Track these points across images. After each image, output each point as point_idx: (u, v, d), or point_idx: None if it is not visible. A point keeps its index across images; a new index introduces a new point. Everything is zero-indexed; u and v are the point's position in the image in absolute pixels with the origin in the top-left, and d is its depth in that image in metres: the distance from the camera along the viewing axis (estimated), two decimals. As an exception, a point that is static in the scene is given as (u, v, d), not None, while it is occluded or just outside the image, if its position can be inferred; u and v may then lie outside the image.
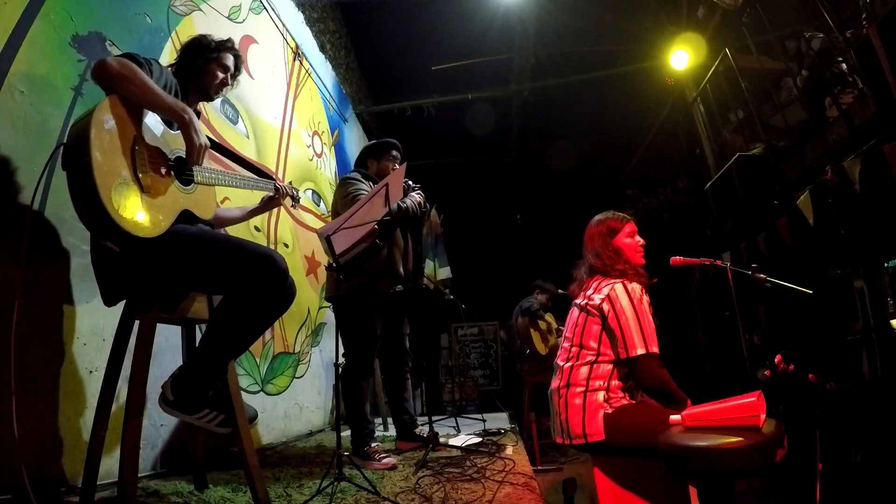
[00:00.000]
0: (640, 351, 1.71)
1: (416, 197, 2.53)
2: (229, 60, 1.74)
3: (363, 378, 2.48)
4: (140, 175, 1.33)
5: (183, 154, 1.47)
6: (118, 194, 1.25)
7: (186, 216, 1.49)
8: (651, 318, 1.78)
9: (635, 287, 1.81)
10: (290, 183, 1.99)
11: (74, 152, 1.22)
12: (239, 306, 1.46)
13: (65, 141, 1.29)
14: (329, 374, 4.08)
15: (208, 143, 1.50)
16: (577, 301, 1.93)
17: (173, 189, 1.45)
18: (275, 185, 1.89)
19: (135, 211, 1.28)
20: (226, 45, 1.74)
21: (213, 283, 1.50)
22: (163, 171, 1.42)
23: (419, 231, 2.76)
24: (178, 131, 1.48)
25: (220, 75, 1.71)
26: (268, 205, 1.94)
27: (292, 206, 2.01)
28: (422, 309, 2.74)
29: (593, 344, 1.81)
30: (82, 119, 1.28)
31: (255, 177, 1.86)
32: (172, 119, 1.45)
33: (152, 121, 1.44)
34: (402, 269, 2.58)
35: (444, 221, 5.33)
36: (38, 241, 1.60)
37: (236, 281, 1.44)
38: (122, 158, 1.30)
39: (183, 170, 1.50)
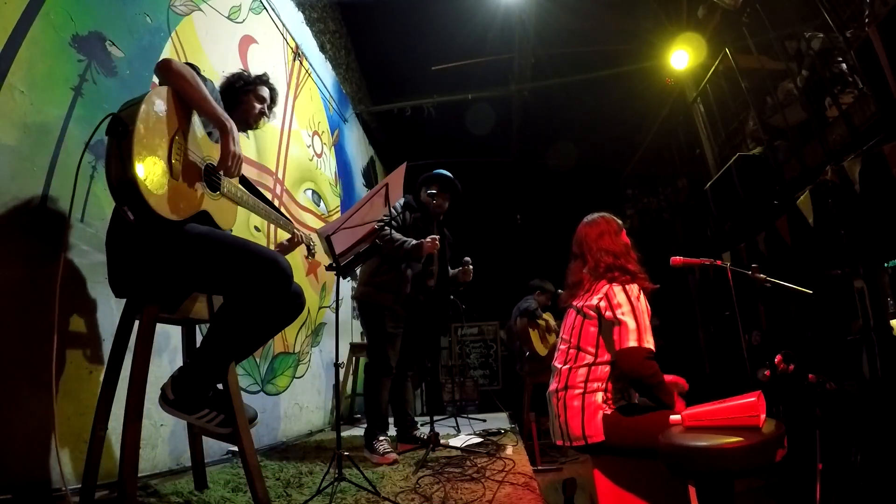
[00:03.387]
0: (633, 344, 1.70)
1: (427, 242, 2.59)
2: (265, 92, 1.90)
3: (382, 374, 2.61)
4: (173, 161, 1.39)
5: (215, 163, 1.54)
6: (148, 166, 1.31)
7: (205, 219, 1.51)
8: (648, 317, 1.77)
9: (633, 287, 1.81)
10: (310, 237, 2.07)
11: (121, 121, 1.30)
12: (239, 308, 1.46)
13: (116, 112, 1.35)
14: (329, 374, 4.08)
15: (242, 154, 1.56)
16: (575, 303, 1.93)
17: (199, 187, 1.50)
18: (293, 230, 1.98)
19: (158, 186, 1.33)
20: (262, 79, 1.90)
21: (215, 282, 1.51)
22: (195, 168, 1.48)
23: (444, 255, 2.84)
24: (217, 143, 1.53)
25: (258, 106, 1.87)
26: (285, 249, 2.01)
27: (306, 256, 2.13)
28: (428, 312, 2.80)
29: (591, 347, 1.80)
30: (137, 98, 1.36)
31: (277, 213, 1.93)
32: (215, 124, 1.52)
33: (196, 124, 1.52)
34: (408, 290, 2.66)
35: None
36: (39, 241, 1.60)
37: (238, 282, 1.44)
38: (161, 140, 1.37)
39: (213, 176, 1.55)
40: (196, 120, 1.52)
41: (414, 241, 2.62)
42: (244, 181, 1.86)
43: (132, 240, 1.39)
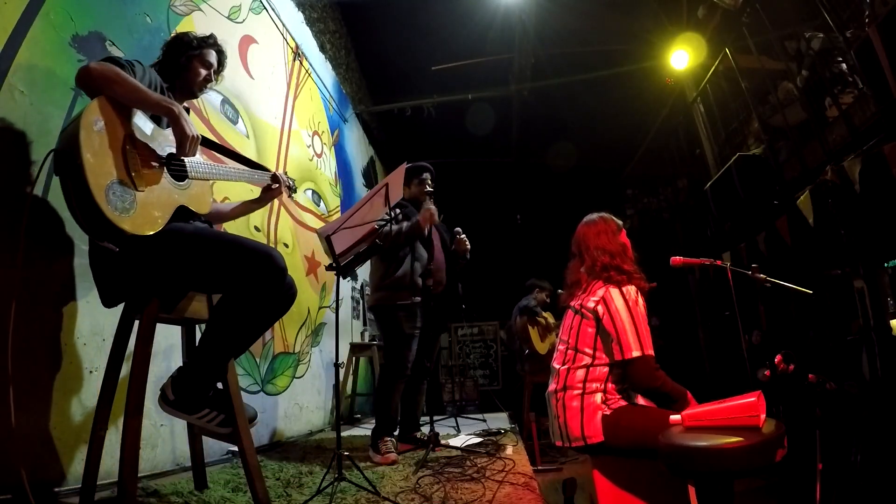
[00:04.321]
0: (636, 353, 1.70)
1: (423, 213, 2.57)
2: (212, 57, 1.74)
3: (398, 378, 2.60)
4: (133, 174, 1.34)
5: (174, 150, 1.47)
6: (112, 194, 1.25)
7: (183, 212, 1.50)
8: (646, 320, 1.77)
9: (630, 289, 1.80)
10: (286, 173, 1.97)
11: (65, 156, 1.23)
12: (237, 304, 1.46)
13: (55, 147, 1.29)
14: (329, 374, 4.08)
15: (199, 134, 1.50)
16: (572, 304, 1.93)
17: (167, 186, 1.46)
18: (272, 174, 1.87)
19: (128, 209, 1.29)
20: (208, 42, 1.74)
21: (211, 280, 1.50)
22: (155, 168, 1.43)
23: (433, 241, 2.83)
24: (168, 129, 1.48)
25: (203, 72, 1.72)
26: (267, 195, 1.91)
27: (288, 196, 2.03)
28: (439, 306, 2.81)
29: (588, 348, 1.80)
30: (71, 123, 1.28)
31: (249, 169, 1.84)
32: (161, 114, 1.45)
33: (141, 120, 1.44)
34: (421, 283, 2.66)
35: (443, 221, 5.33)
36: (39, 241, 1.60)
37: (234, 278, 1.43)
38: (114, 158, 1.30)
39: (175, 165, 1.50)
40: (139, 116, 1.44)
41: (408, 222, 2.63)
42: (207, 142, 1.75)
43: (119, 259, 1.37)
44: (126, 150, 1.34)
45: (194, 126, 1.48)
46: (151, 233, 1.34)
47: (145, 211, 1.34)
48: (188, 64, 1.69)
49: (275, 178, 1.87)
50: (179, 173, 1.51)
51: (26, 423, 1.46)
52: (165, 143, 1.48)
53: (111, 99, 1.35)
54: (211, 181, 1.66)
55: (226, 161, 1.98)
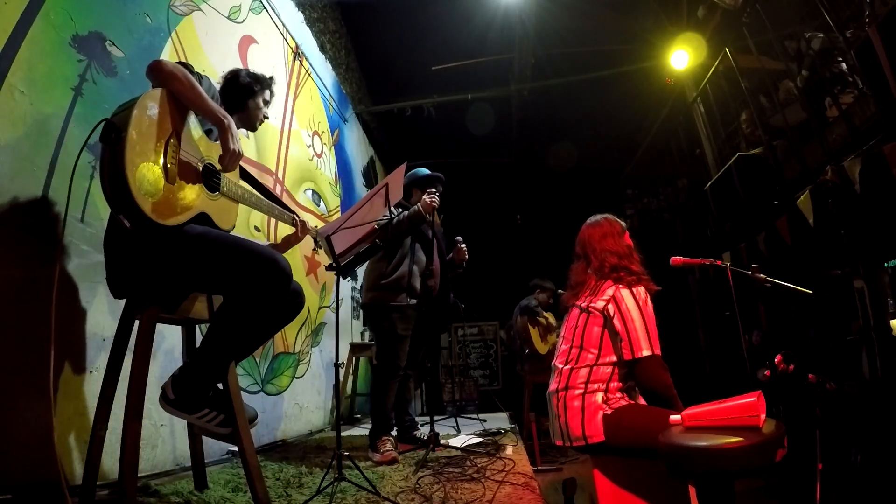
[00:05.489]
0: (647, 353, 1.72)
1: (424, 199, 2.56)
2: (268, 95, 1.89)
3: (391, 378, 2.61)
4: (168, 165, 1.38)
5: (214, 164, 1.53)
6: (142, 172, 1.29)
7: (204, 220, 1.51)
8: (655, 320, 1.78)
9: (640, 290, 1.81)
10: (289, 203, 2.02)
11: (114, 127, 1.29)
12: (238, 307, 1.46)
13: (109, 117, 1.34)
14: (329, 374, 4.08)
15: (242, 151, 1.55)
16: (579, 303, 1.92)
17: (197, 189, 1.49)
18: (294, 219, 1.95)
19: (153, 193, 1.32)
20: (270, 83, 1.89)
21: (214, 282, 1.51)
22: (191, 170, 1.47)
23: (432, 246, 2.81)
24: (216, 141, 1.53)
25: (264, 109, 1.87)
26: (289, 242, 2.00)
27: (313, 249, 2.11)
28: (434, 310, 2.81)
29: (594, 347, 1.80)
30: (129, 102, 1.34)
31: (280, 206, 1.92)
32: (213, 122, 1.51)
33: (193, 125, 1.50)
34: (418, 285, 2.66)
35: (444, 221, 5.33)
36: (38, 242, 1.60)
37: (237, 281, 1.44)
38: (156, 144, 1.35)
39: (212, 176, 1.53)
40: (193, 119, 1.50)
41: (407, 212, 2.63)
42: (244, 174, 1.83)
43: (129, 243, 1.38)
44: (170, 142, 1.39)
45: (240, 143, 1.54)
46: (167, 223, 1.35)
47: (168, 202, 1.36)
48: (251, 103, 1.80)
49: (295, 222, 1.95)
50: (213, 184, 1.54)
51: (26, 423, 1.46)
52: (208, 153, 1.54)
53: (171, 94, 1.42)
54: (240, 203, 1.70)
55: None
